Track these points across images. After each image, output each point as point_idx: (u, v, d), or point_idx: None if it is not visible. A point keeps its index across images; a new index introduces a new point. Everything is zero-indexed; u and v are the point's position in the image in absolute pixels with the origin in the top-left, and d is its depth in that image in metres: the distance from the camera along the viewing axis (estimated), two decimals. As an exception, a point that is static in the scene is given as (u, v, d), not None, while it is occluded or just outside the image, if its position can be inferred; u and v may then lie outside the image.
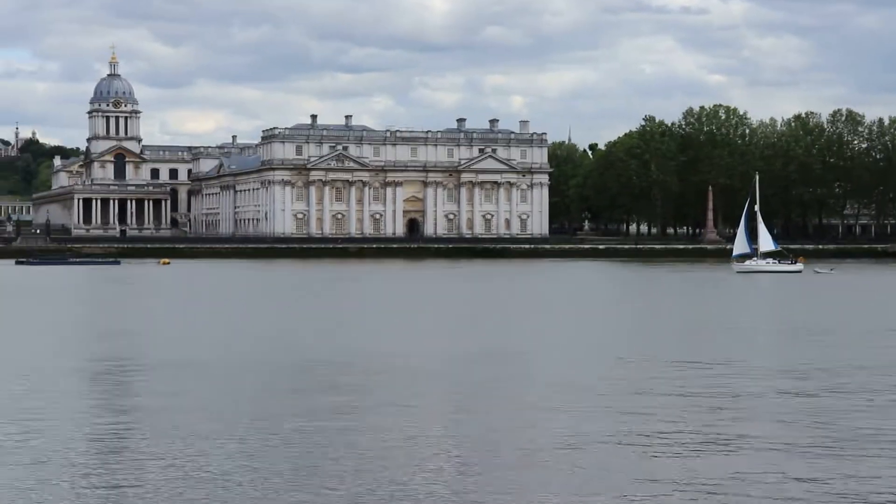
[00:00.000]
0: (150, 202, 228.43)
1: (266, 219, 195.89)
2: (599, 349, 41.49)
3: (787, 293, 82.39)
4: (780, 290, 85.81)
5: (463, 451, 22.88)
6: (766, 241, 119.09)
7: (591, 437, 23.89)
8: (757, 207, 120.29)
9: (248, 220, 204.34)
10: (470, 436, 24.40)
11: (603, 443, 23.42)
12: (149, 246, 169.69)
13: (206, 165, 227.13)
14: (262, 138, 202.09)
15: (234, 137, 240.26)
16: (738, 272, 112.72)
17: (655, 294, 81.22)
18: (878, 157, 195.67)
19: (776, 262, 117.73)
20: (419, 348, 41.83)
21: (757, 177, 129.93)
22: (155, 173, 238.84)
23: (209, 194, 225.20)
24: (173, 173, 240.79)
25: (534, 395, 30.00)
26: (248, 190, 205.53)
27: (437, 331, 49.84)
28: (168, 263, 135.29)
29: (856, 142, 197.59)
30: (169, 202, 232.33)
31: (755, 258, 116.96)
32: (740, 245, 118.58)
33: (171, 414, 26.91)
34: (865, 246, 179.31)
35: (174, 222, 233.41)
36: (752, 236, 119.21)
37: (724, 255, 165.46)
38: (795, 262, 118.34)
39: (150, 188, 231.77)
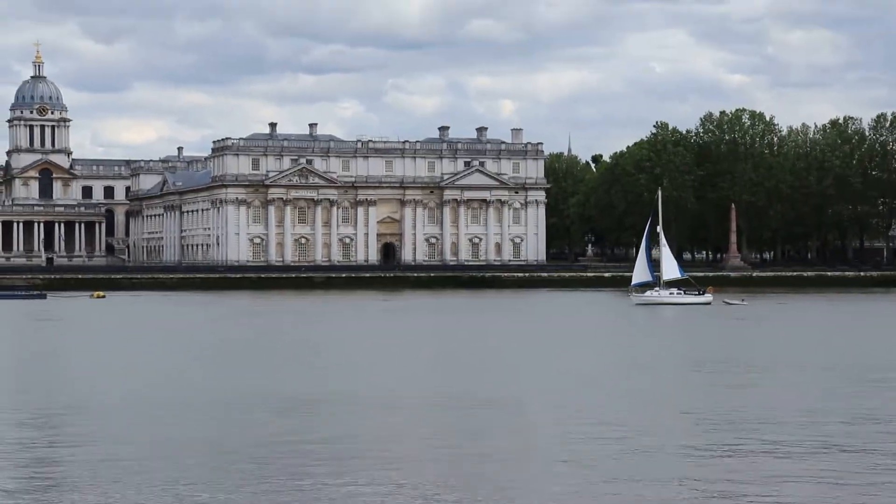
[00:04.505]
0: (82, 225, 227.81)
1: (218, 244, 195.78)
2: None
3: (687, 327, 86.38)
4: (680, 325, 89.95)
5: None
6: (670, 268, 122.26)
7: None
8: (660, 228, 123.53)
9: (197, 245, 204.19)
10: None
11: None
12: (80, 276, 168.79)
13: (147, 182, 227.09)
14: (213, 150, 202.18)
15: (179, 150, 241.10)
16: (636, 304, 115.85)
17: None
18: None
19: (681, 292, 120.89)
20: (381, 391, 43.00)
21: (659, 192, 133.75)
22: (87, 191, 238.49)
23: (151, 216, 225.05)
24: (108, 191, 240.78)
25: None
26: (197, 211, 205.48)
27: (403, 374, 51.30)
28: (103, 297, 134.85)
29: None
30: (104, 225, 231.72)
31: (657, 288, 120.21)
32: (640, 272, 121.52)
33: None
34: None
35: (110, 248, 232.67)
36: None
37: (748, 284, 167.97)
38: (704, 293, 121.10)
39: (82, 209, 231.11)
